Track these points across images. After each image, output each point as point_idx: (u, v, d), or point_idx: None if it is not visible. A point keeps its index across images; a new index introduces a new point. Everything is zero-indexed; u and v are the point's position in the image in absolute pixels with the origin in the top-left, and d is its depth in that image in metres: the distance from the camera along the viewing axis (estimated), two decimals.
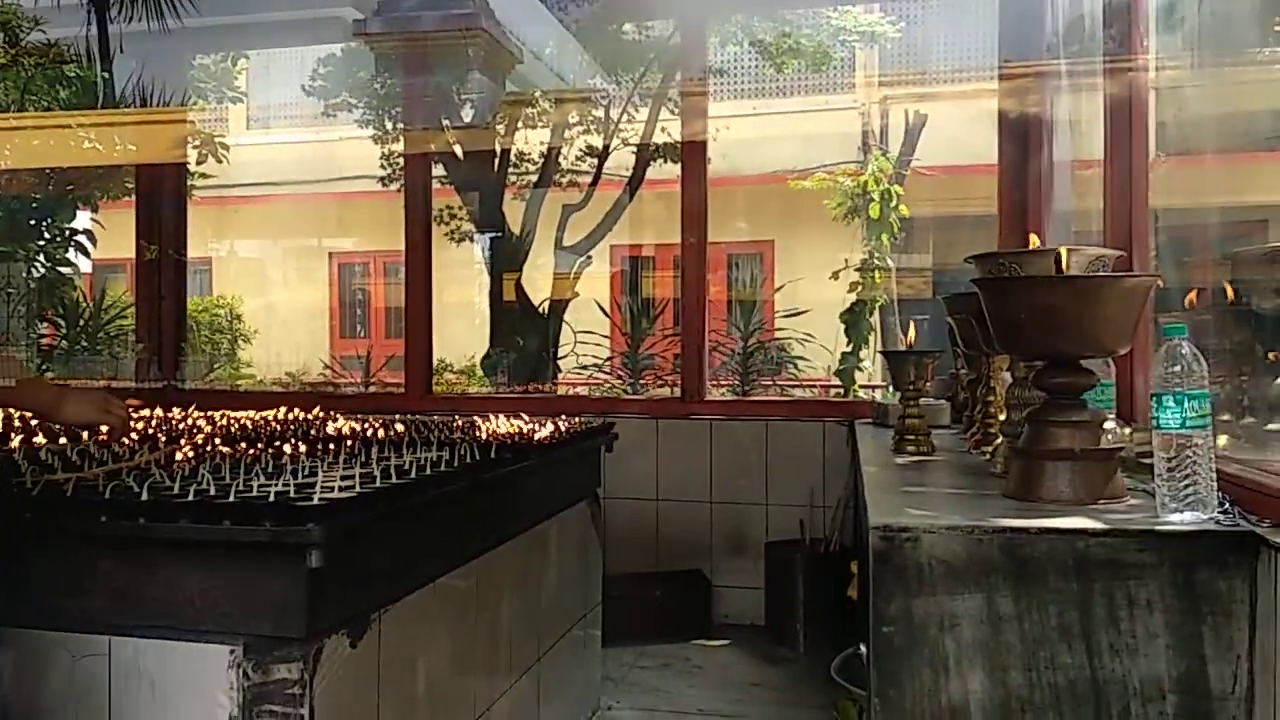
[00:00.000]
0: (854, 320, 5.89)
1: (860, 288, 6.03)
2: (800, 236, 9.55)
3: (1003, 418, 2.40)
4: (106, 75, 5.41)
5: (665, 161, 6.20)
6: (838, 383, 5.96)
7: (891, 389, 4.03)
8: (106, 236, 6.71)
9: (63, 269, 6.35)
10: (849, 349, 5.84)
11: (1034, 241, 2.15)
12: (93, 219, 6.51)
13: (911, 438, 2.83)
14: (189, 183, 5.82)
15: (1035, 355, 1.89)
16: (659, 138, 6.33)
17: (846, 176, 7.35)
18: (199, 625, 1.68)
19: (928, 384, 3.04)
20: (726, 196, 9.09)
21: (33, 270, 6.28)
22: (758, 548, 4.37)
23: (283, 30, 6.18)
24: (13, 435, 2.40)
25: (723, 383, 5.74)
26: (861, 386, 6.22)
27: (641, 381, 5.66)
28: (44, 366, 6.04)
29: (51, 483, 1.79)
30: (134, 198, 5.28)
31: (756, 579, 4.34)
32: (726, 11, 6.24)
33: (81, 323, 6.25)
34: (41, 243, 6.28)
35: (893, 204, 6.31)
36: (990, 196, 4.17)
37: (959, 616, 1.59)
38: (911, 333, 3.14)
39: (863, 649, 1.93)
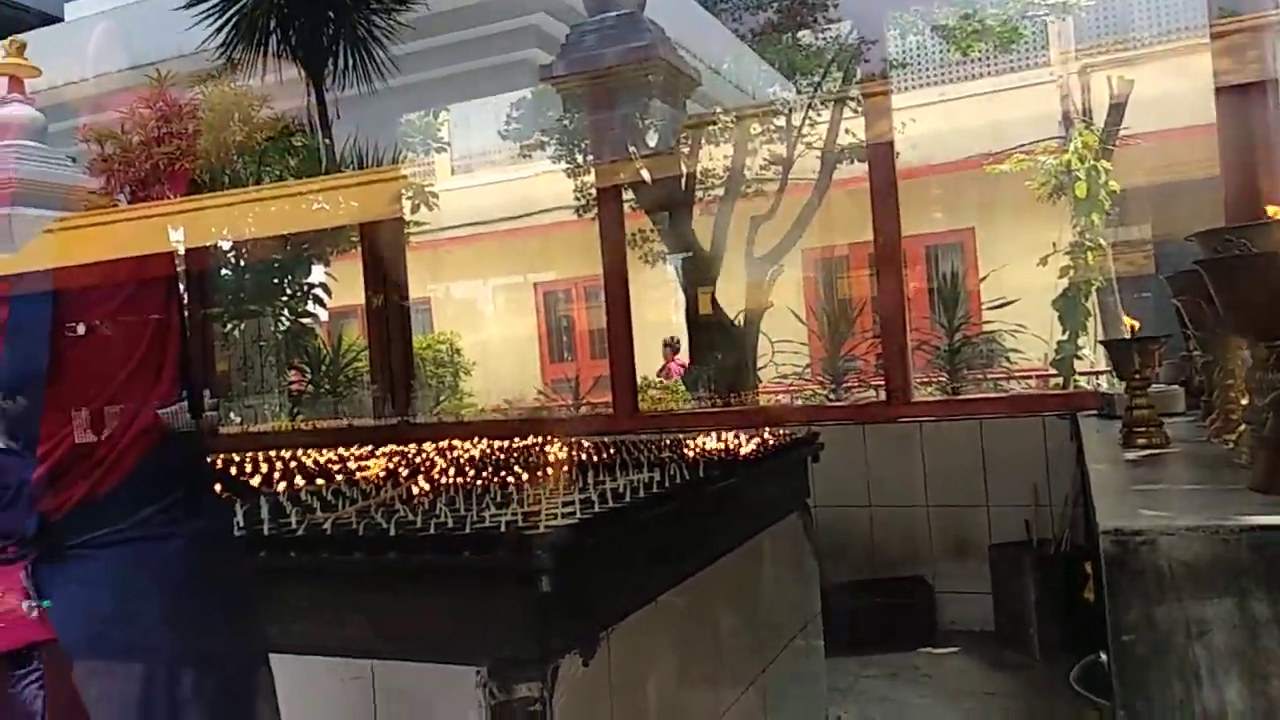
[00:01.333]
0: (1068, 306, 5.56)
1: (1072, 271, 5.69)
2: (1002, 222, 9.12)
3: (1245, 402, 2.21)
4: (328, 141, 5.92)
5: (853, 162, 6.12)
6: (1056, 373, 5.64)
7: (1116, 378, 3.79)
8: (338, 287, 7.35)
9: (304, 320, 7.00)
10: (1065, 337, 5.52)
11: (1276, 213, 1.96)
12: (326, 272, 7.14)
13: (1141, 430, 2.66)
14: (406, 231, 6.27)
15: (1275, 336, 1.75)
16: (844, 139, 6.25)
17: (1047, 155, 6.97)
18: (448, 649, 1.83)
19: (1155, 371, 2.85)
20: (919, 188, 8.82)
21: (279, 323, 6.95)
22: (981, 551, 4.21)
23: (476, 79, 6.58)
24: (276, 479, 2.69)
25: (930, 380, 5.58)
26: (1082, 374, 5.86)
27: (844, 386, 5.58)
28: (295, 411, 6.66)
29: (313, 523, 2.00)
30: (360, 250, 5.76)
31: (982, 583, 4.19)
32: (904, 4, 6.09)
33: (323, 367, 6.86)
34: (284, 298, 6.95)
35: (1101, 180, 5.92)
36: (1211, 159, 3.86)
37: (1209, 623, 1.49)
38: (1129, 321, 2.95)
39: (1103, 657, 1.83)
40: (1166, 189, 7.27)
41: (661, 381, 7.94)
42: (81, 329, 1.57)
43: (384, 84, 5.82)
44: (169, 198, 1.99)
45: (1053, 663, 3.60)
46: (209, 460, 2.03)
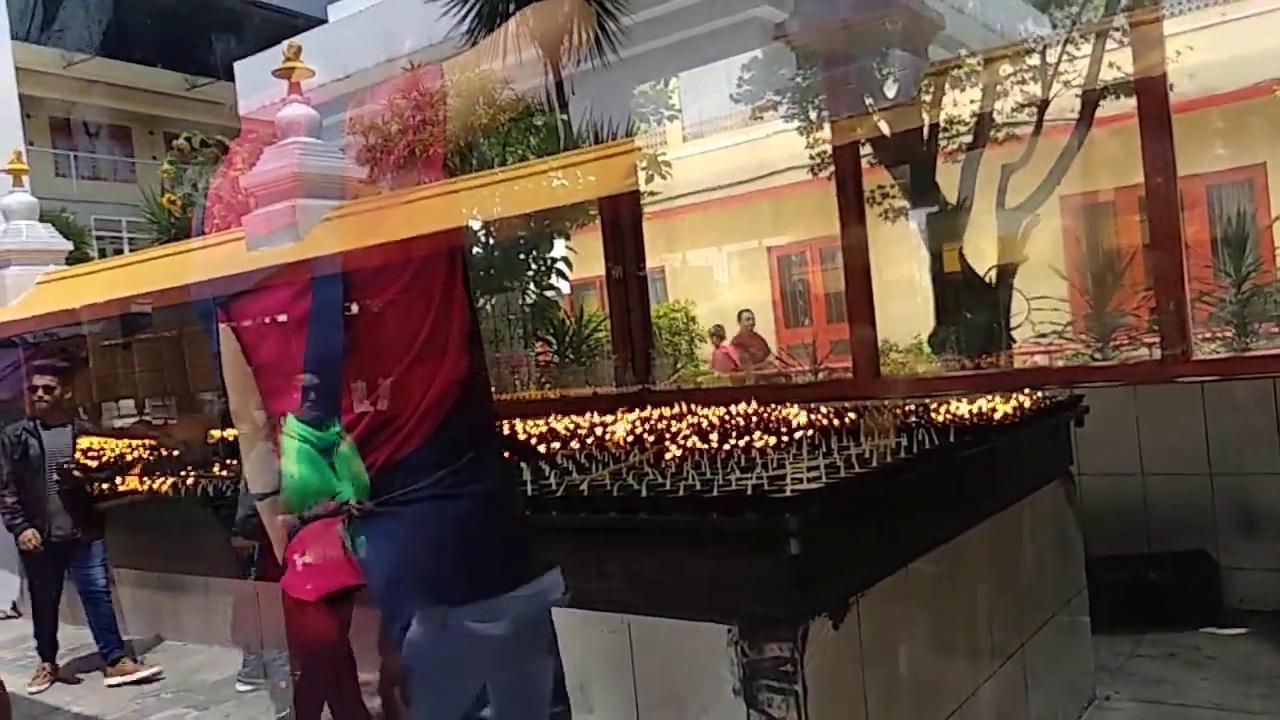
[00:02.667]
0: None
1: None
2: None
3: None
4: (565, 118, 6.11)
5: (1119, 97, 5.57)
6: None
7: None
8: (578, 260, 7.61)
9: (548, 293, 7.32)
10: None
11: None
12: (567, 246, 7.43)
13: None
14: (641, 202, 6.39)
15: None
16: (1107, 74, 5.69)
17: None
18: (699, 606, 1.86)
19: None
20: (1198, 121, 7.93)
21: (525, 297, 7.31)
22: (1276, 523, 3.77)
23: (706, 42, 6.56)
24: (534, 444, 2.82)
25: (1215, 336, 5.02)
26: None
27: (1112, 344, 5.12)
28: (543, 380, 6.99)
29: (571, 485, 2.08)
30: (599, 223, 5.92)
31: (1277, 559, 3.75)
32: None
33: (568, 338, 7.15)
34: (530, 273, 7.29)
35: None
36: None
37: None
38: None
39: None
40: None
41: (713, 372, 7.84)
42: (371, 307, 1.70)
43: (616, 57, 5.92)
44: (425, 181, 2.10)
45: None
46: (497, 425, 2.13)
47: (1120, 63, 5.53)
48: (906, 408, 3.17)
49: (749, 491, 1.85)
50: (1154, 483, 4.04)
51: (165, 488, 4.42)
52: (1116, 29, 5.45)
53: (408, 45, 7.02)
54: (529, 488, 2.07)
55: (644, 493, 1.93)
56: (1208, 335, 4.86)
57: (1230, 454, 3.90)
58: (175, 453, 4.99)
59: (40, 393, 4.49)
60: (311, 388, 1.69)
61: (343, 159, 2.41)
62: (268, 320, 1.77)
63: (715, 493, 1.88)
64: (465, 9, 6.00)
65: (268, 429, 1.84)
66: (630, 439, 2.80)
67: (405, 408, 1.66)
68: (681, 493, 1.91)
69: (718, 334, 9.48)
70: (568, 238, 7.45)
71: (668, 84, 9.28)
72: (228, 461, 4.32)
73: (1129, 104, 4.36)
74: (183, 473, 4.45)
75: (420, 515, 1.63)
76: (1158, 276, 4.13)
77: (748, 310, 9.52)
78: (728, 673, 1.80)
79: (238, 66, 8.78)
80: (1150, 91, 3.98)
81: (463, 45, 6.25)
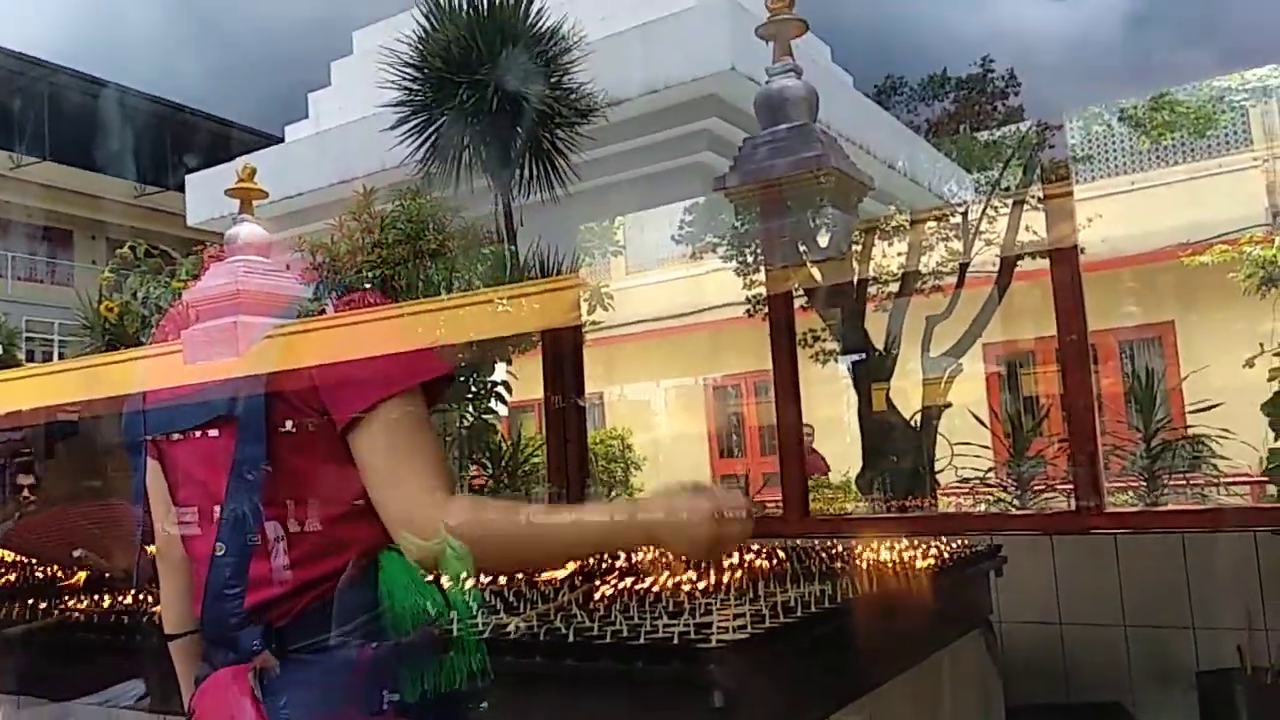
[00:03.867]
0: (1279, 410, 5.12)
1: None
2: (1205, 315, 8.57)
3: None
4: (513, 249, 6.27)
5: (1035, 258, 5.93)
6: (1269, 480, 5.18)
7: None
8: (518, 383, 7.66)
9: (486, 416, 7.32)
10: (1278, 444, 5.07)
11: None
12: (508, 371, 7.48)
13: None
14: (583, 332, 6.52)
15: None
16: (1024, 236, 6.08)
17: (1253, 244, 6.54)
18: None
19: None
20: (1111, 280, 8.43)
21: (463, 419, 7.30)
22: (1188, 677, 3.87)
23: (652, 183, 6.85)
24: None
25: (1127, 487, 5.24)
26: None
27: (1031, 490, 5.31)
28: None
29: (499, 626, 2.09)
30: (540, 350, 6.02)
31: (1189, 713, 3.83)
32: (1086, 98, 5.94)
33: (503, 462, 7.13)
34: (470, 396, 7.31)
35: None
36: None
37: None
38: None
39: None
40: None
41: None
42: (294, 429, 1.62)
43: (565, 191, 6.15)
44: (371, 303, 2.08)
45: None
46: None
47: (1036, 225, 5.92)
48: (833, 550, 3.25)
49: (675, 639, 1.88)
50: (1071, 632, 4.13)
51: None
52: (1033, 196, 5.85)
53: (362, 169, 7.19)
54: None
55: (571, 638, 1.95)
56: (1121, 486, 5.07)
57: (1143, 607, 4.02)
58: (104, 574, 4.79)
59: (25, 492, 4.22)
60: (230, 526, 1.63)
61: (289, 277, 2.43)
62: (197, 456, 1.74)
63: (642, 639, 1.91)
64: (420, 140, 6.20)
65: (186, 567, 1.80)
66: (562, 577, 2.81)
67: (330, 550, 1.62)
68: (609, 638, 1.94)
69: (809, 434, 8.91)
70: (509, 362, 7.52)
71: (614, 221, 9.62)
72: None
73: (1047, 259, 4.64)
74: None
75: (336, 664, 1.60)
76: (1072, 430, 4.33)
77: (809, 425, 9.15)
78: None
79: (189, 179, 8.86)
80: (1063, 258, 4.26)
81: (416, 173, 6.42)
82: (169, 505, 1.79)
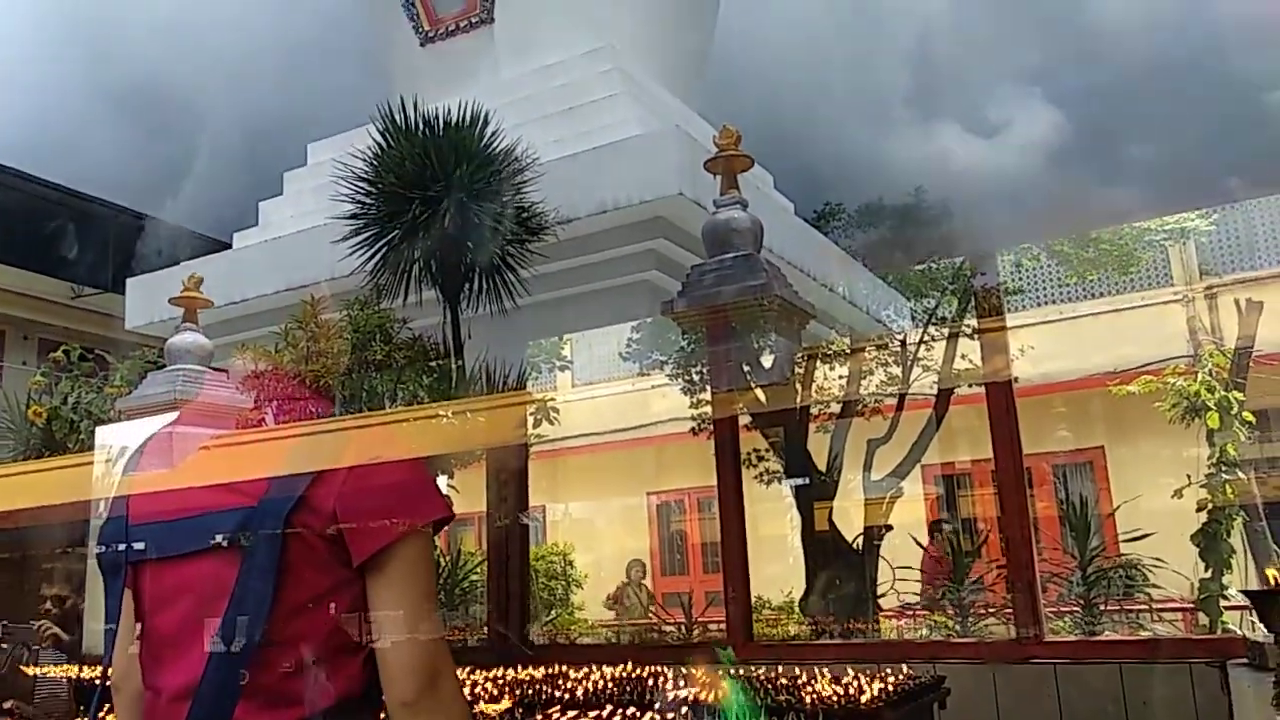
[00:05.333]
0: (1209, 541, 5.26)
1: (1210, 504, 5.41)
2: (1133, 441, 8.84)
3: None
4: (459, 363, 6.26)
5: (970, 386, 6.12)
6: (1200, 610, 5.27)
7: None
8: (459, 496, 7.56)
9: None
10: (1208, 575, 5.19)
11: None
12: (449, 484, 7.38)
13: None
14: (528, 447, 6.48)
15: None
16: (960, 364, 6.28)
17: (1176, 376, 6.80)
18: None
19: None
20: (1043, 406, 8.67)
21: None
22: None
23: (599, 300, 6.95)
24: None
25: (1064, 611, 5.29)
26: (1230, 609, 5.46)
27: (972, 614, 5.33)
28: None
29: None
30: (484, 463, 5.95)
31: None
32: (1016, 236, 6.24)
33: (441, 579, 6.96)
34: None
35: (1233, 411, 5.73)
36: None
37: None
38: (1271, 572, 2.80)
39: None
40: None
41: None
42: (305, 561, 1.54)
43: (513, 305, 6.20)
44: (313, 414, 2.02)
45: None
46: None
47: (971, 353, 6.11)
48: (778, 682, 3.21)
49: None
50: None
51: None
52: (967, 326, 6.06)
53: (311, 277, 7.17)
54: None
55: None
56: (1058, 611, 5.12)
57: None
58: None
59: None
60: (220, 660, 1.52)
61: (228, 386, 2.39)
62: (188, 582, 1.59)
63: None
64: (371, 252, 6.24)
65: (141, 698, 1.70)
66: (504, 712, 2.73)
67: (320, 691, 1.54)
68: None
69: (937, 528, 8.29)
70: (451, 475, 7.43)
71: (561, 337, 9.69)
72: None
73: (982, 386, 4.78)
74: None
75: None
76: (1010, 558, 4.39)
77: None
78: None
79: (129, 282, 8.76)
80: (997, 390, 4.39)
81: (365, 283, 6.43)
82: (133, 631, 1.69)
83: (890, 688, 3.02)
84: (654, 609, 8.51)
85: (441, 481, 7.48)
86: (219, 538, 1.56)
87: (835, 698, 2.84)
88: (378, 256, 6.31)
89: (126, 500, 1.72)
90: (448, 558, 7.27)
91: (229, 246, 8.93)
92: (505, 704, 2.87)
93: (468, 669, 3.64)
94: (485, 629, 5.64)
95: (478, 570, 6.79)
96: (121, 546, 1.67)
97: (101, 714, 2.11)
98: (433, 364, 6.76)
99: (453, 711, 1.57)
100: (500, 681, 3.37)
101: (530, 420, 7.02)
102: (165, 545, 1.62)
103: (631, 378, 9.63)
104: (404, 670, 1.51)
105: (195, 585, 1.58)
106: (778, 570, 6.70)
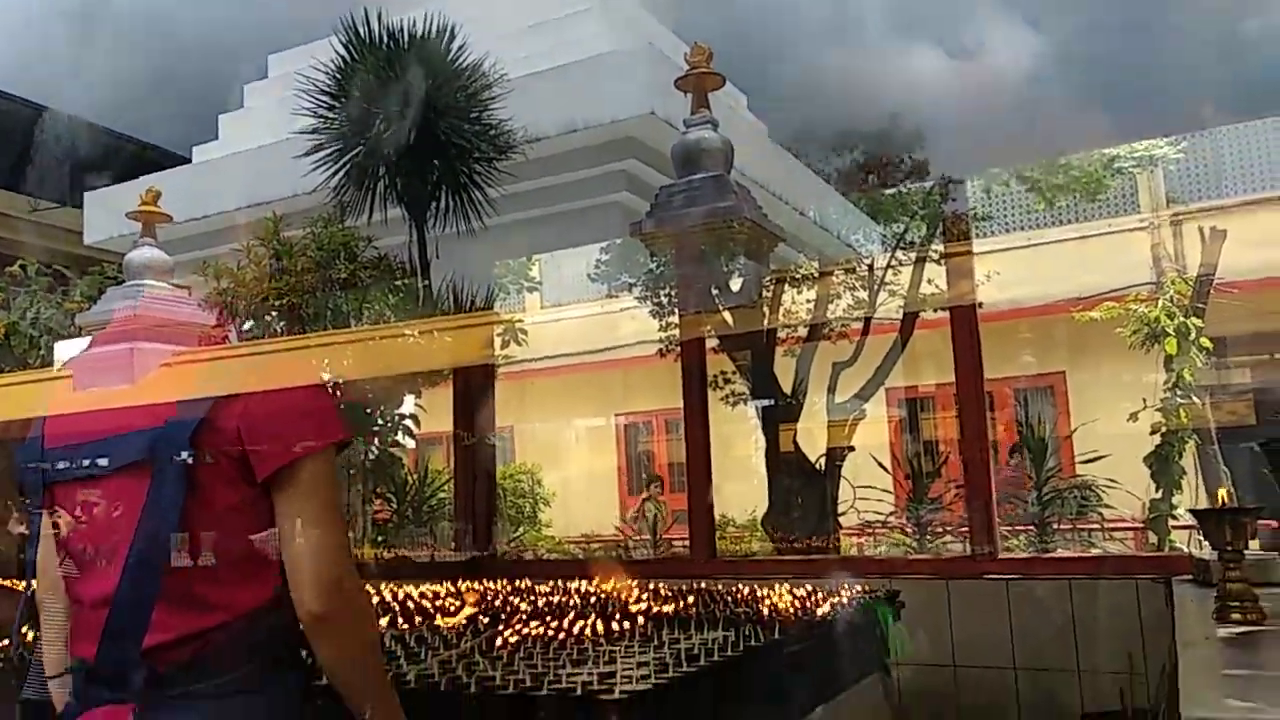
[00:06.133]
0: (1160, 463, 5.41)
1: (1164, 427, 5.55)
2: (1094, 366, 8.99)
3: None
4: (426, 282, 6.20)
5: (935, 311, 6.16)
6: (1150, 530, 5.45)
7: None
8: (426, 416, 7.58)
9: (393, 449, 7.19)
10: (1158, 495, 5.35)
11: None
12: (417, 404, 7.37)
13: (1236, 605, 2.59)
14: (496, 367, 6.48)
15: None
16: (926, 289, 6.31)
17: (1138, 303, 6.90)
18: None
19: (1249, 543, 2.78)
20: (1007, 331, 8.78)
21: (368, 453, 7.16)
22: (1073, 719, 4.02)
23: (568, 221, 6.89)
24: None
25: (1019, 531, 5.44)
26: (1181, 528, 5.64)
27: (929, 532, 5.47)
28: (379, 539, 6.79)
29: (398, 673, 2.06)
30: (451, 383, 5.96)
31: None
32: (987, 160, 6.22)
33: (408, 496, 7.01)
34: (375, 428, 7.17)
35: (1191, 337, 5.83)
36: None
37: None
38: (1223, 491, 2.89)
39: None
40: (1268, 336, 7.11)
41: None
42: (211, 477, 1.62)
43: (481, 226, 6.13)
44: (278, 332, 2.06)
45: None
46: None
47: (938, 278, 6.15)
48: (738, 594, 3.28)
49: (579, 691, 1.88)
50: (965, 675, 4.25)
51: None
52: (935, 252, 6.08)
53: (273, 194, 7.04)
54: None
55: (472, 688, 1.93)
56: (1013, 531, 5.26)
57: (1033, 650, 4.17)
58: None
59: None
60: (135, 569, 1.61)
61: (191, 304, 2.36)
62: (104, 497, 1.69)
63: (545, 689, 1.91)
64: (335, 168, 6.11)
65: (68, 608, 1.76)
66: (464, 621, 2.78)
67: (229, 598, 1.62)
68: (511, 688, 1.93)
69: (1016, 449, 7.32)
70: (418, 395, 7.42)
71: (530, 258, 9.61)
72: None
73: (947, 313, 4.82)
74: None
75: (217, 710, 1.60)
76: (968, 480, 4.48)
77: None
78: None
79: (88, 196, 8.55)
80: (962, 314, 4.44)
81: (329, 199, 6.32)
82: (54, 547, 1.74)
83: (847, 599, 3.10)
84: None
85: (409, 401, 7.48)
86: (128, 457, 1.64)
87: (794, 609, 2.92)
88: (341, 172, 6.20)
89: (44, 421, 1.77)
90: (415, 476, 7.31)
91: (189, 161, 8.72)
92: (468, 612, 2.92)
93: (432, 582, 3.69)
94: (453, 545, 5.71)
95: (445, 488, 6.83)
96: (40, 466, 1.73)
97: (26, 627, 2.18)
98: (399, 283, 6.70)
99: (359, 624, 1.69)
100: (465, 593, 3.43)
101: (498, 341, 7.01)
102: (78, 465, 1.69)
103: (600, 300, 9.61)
104: (309, 581, 1.60)
105: (108, 502, 1.66)
106: (742, 489, 6.81)
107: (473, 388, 5.83)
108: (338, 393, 7.20)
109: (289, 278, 6.31)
